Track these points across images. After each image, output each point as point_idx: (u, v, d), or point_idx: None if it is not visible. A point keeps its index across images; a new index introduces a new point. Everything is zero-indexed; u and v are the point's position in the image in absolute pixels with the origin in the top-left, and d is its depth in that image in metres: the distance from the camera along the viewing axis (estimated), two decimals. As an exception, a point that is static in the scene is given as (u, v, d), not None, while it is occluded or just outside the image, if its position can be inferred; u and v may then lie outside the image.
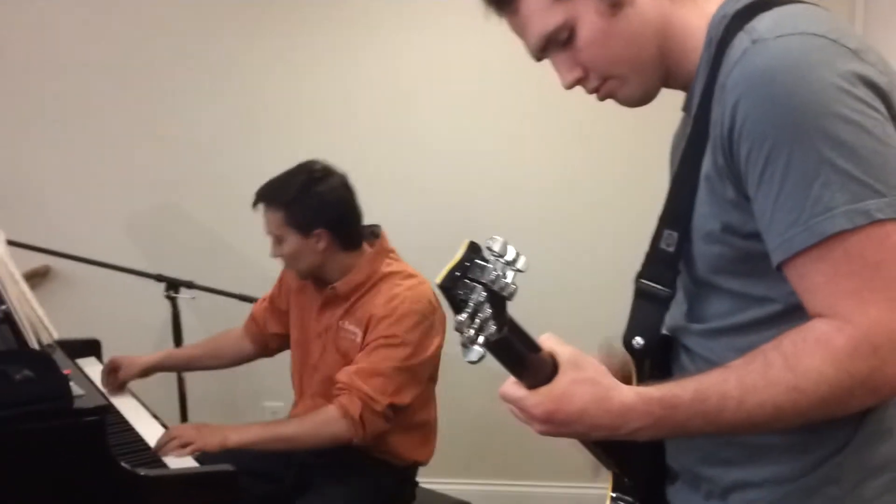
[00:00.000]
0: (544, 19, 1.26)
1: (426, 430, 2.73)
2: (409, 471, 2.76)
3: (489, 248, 1.03)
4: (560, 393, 1.14)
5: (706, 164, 1.18)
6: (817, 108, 1.05)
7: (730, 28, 1.18)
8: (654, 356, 1.31)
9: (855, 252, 1.05)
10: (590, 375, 1.14)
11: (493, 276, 1.00)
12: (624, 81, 1.29)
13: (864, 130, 1.05)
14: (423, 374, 2.61)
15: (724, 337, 1.23)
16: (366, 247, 2.68)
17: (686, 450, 1.30)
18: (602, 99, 1.33)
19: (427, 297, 2.58)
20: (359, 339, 2.56)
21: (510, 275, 1.01)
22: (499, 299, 1.01)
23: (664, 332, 1.33)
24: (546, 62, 1.33)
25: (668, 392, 1.12)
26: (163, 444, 2.38)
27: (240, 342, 2.97)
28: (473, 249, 1.03)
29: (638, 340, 1.30)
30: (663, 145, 1.44)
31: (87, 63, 3.72)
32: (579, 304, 3.57)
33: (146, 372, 2.87)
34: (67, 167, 3.78)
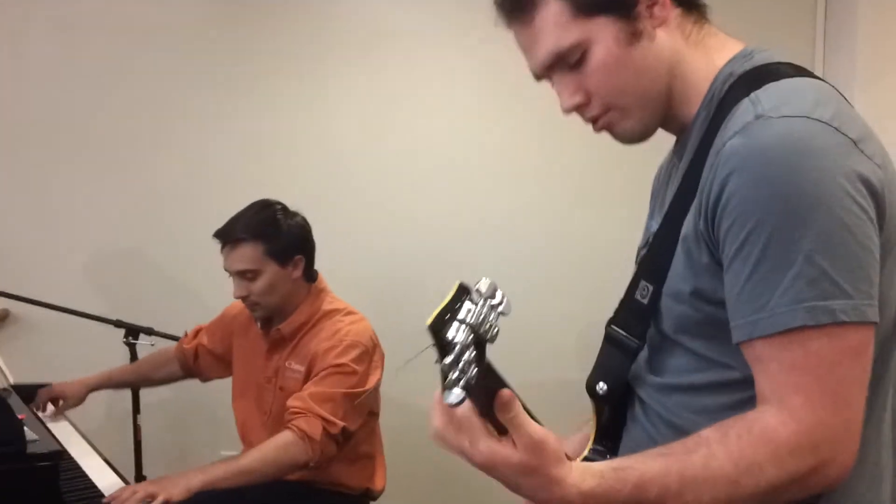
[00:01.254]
0: (559, 35, 1.24)
1: (372, 462, 2.78)
2: (362, 500, 2.77)
3: (478, 290, 1.03)
4: (509, 463, 1.06)
5: (687, 225, 1.18)
6: (807, 199, 1.05)
7: (734, 89, 1.19)
8: (614, 403, 1.33)
9: (813, 349, 1.07)
10: (535, 463, 1.06)
11: (479, 320, 1.01)
12: (625, 114, 1.27)
13: (848, 231, 1.06)
14: (366, 404, 2.66)
15: (679, 394, 1.24)
16: (309, 287, 2.76)
17: None
18: (598, 130, 1.31)
19: (368, 333, 2.68)
20: (301, 377, 2.62)
21: (493, 318, 1.02)
22: (482, 342, 1.01)
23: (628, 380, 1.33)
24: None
25: (609, 488, 1.08)
26: (123, 500, 2.27)
27: (169, 364, 3.09)
28: (462, 291, 1.03)
29: (601, 386, 1.32)
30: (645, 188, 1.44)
31: (49, 105, 3.71)
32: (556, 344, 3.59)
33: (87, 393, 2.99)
34: (27, 211, 3.75)
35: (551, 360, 3.70)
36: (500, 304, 1.03)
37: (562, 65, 1.26)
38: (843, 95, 1.20)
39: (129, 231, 3.76)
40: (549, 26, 1.23)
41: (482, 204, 3.78)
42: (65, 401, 2.88)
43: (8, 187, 3.74)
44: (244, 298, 2.65)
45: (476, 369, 1.00)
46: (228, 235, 2.61)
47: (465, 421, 1.06)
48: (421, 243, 3.76)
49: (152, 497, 2.30)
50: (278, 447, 2.47)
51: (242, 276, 2.62)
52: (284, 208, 2.71)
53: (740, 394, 1.14)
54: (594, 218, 3.81)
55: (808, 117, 1.09)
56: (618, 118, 1.28)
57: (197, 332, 3.05)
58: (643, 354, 1.31)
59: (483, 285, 1.03)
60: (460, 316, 1.00)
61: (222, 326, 2.93)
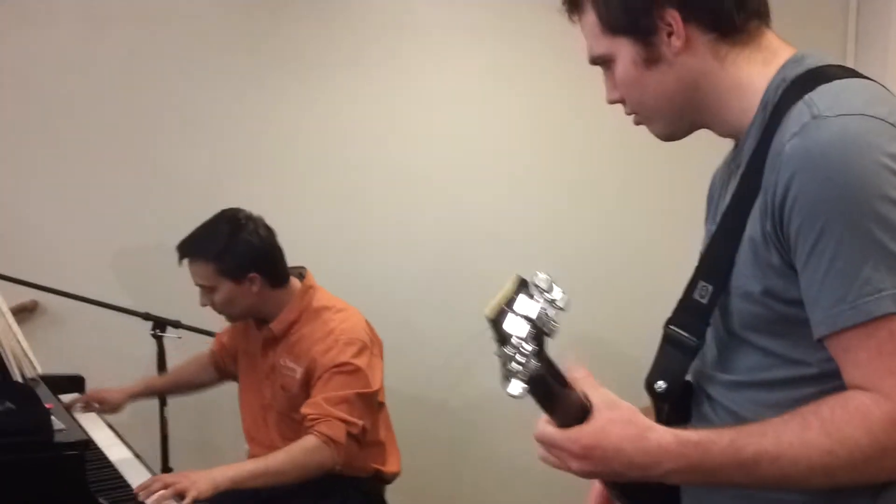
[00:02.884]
0: (593, 43, 1.34)
1: (382, 448, 2.79)
2: (374, 484, 2.79)
3: (535, 284, 1.04)
4: (597, 429, 1.14)
5: (752, 227, 1.21)
6: (871, 190, 1.09)
7: (787, 94, 1.21)
8: (674, 401, 1.35)
9: None
10: (626, 416, 1.15)
11: (538, 313, 1.02)
12: (650, 120, 1.36)
13: None
14: (375, 402, 2.70)
15: (750, 391, 1.26)
16: (295, 283, 2.78)
17: (705, 501, 1.32)
18: (637, 124, 1.39)
19: (362, 326, 2.69)
20: (299, 375, 2.63)
21: (552, 312, 1.03)
22: (541, 336, 1.03)
23: (688, 378, 1.36)
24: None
25: (705, 437, 1.14)
26: (154, 490, 2.30)
27: (206, 369, 3.09)
28: (521, 284, 1.05)
29: (660, 384, 1.33)
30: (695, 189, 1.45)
31: (79, 98, 3.73)
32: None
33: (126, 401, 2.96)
34: (58, 203, 3.77)
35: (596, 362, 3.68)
36: (557, 298, 1.04)
37: (601, 65, 1.36)
38: (893, 94, 1.23)
39: (158, 223, 3.76)
40: (588, 32, 1.35)
41: (496, 203, 3.77)
42: (102, 405, 2.87)
43: (37, 179, 3.76)
44: (211, 306, 2.72)
45: (537, 363, 1.02)
46: (183, 251, 2.70)
47: (547, 435, 1.16)
48: (428, 241, 3.78)
49: (182, 492, 2.31)
50: (305, 451, 2.49)
51: (202, 288, 2.69)
52: (245, 221, 2.70)
53: (814, 388, 1.17)
54: (605, 216, 3.80)
55: (863, 114, 1.12)
56: (646, 122, 1.37)
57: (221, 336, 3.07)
58: (711, 353, 1.33)
59: (540, 280, 1.05)
60: (518, 308, 1.02)
61: (229, 336, 2.97)
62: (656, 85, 1.29)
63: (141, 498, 2.29)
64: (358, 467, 2.68)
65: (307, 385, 2.60)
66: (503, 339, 1.02)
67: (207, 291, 2.68)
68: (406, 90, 3.76)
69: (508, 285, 1.05)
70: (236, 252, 2.64)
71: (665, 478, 1.16)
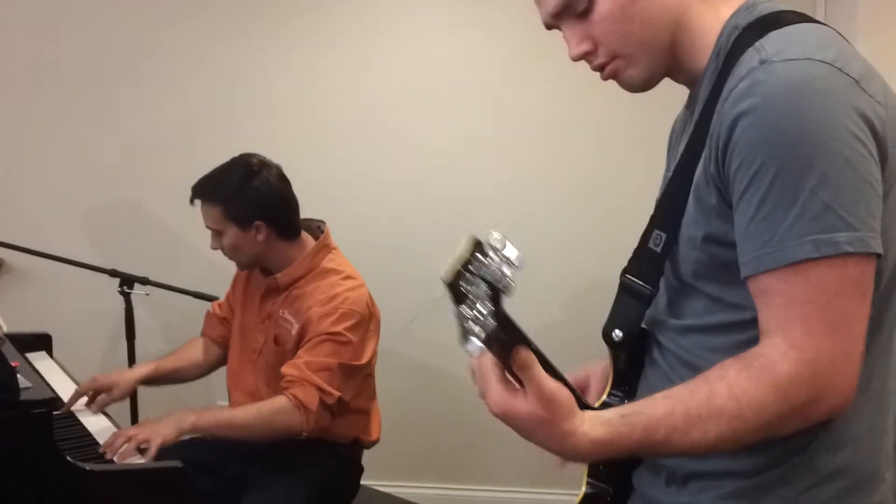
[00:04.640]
0: None
1: (365, 415, 2.77)
2: (352, 449, 2.77)
3: (489, 244, 1.04)
4: (524, 423, 1.13)
5: (698, 171, 1.22)
6: (811, 137, 1.09)
7: (740, 41, 1.21)
8: (630, 349, 1.37)
9: (815, 280, 1.10)
10: (547, 416, 1.12)
11: (492, 272, 1.03)
12: (631, 61, 1.30)
13: (851, 167, 1.09)
14: (360, 376, 2.67)
15: (696, 335, 1.28)
16: (309, 239, 2.74)
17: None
18: (605, 78, 1.34)
19: (365, 300, 2.65)
20: (294, 331, 2.60)
21: (508, 270, 1.03)
22: (497, 294, 1.03)
23: (643, 326, 1.37)
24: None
25: (617, 434, 1.14)
26: (117, 446, 2.30)
27: (209, 347, 2.96)
28: (476, 244, 1.05)
29: (617, 333, 1.36)
30: (652, 142, 1.45)
31: (47, 58, 3.69)
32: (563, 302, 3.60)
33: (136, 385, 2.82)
34: (24, 160, 3.74)
35: (560, 313, 3.70)
36: (512, 257, 1.04)
37: (569, 14, 1.30)
38: (844, 38, 1.22)
39: (125, 180, 3.75)
40: None
41: (489, 162, 3.73)
42: (110, 393, 2.78)
43: (4, 136, 3.72)
44: (221, 250, 2.68)
45: (494, 321, 1.02)
46: (195, 193, 2.64)
47: (485, 371, 1.13)
48: (422, 204, 3.73)
49: (147, 441, 2.32)
50: (274, 410, 2.48)
51: (212, 231, 2.65)
52: (258, 167, 2.64)
53: (753, 331, 1.17)
54: (592, 177, 3.79)
55: (810, 59, 1.12)
56: (623, 66, 1.31)
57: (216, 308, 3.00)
58: (663, 300, 1.35)
59: (495, 239, 1.04)
60: (474, 268, 1.02)
61: (235, 279, 2.92)
62: (645, 11, 1.26)
63: (108, 456, 2.29)
64: (339, 434, 2.67)
65: (300, 343, 2.59)
66: (459, 299, 1.03)
67: (216, 235, 2.64)
68: (403, 39, 3.71)
69: (463, 246, 1.05)
70: (244, 198, 2.59)
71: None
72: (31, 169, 3.74)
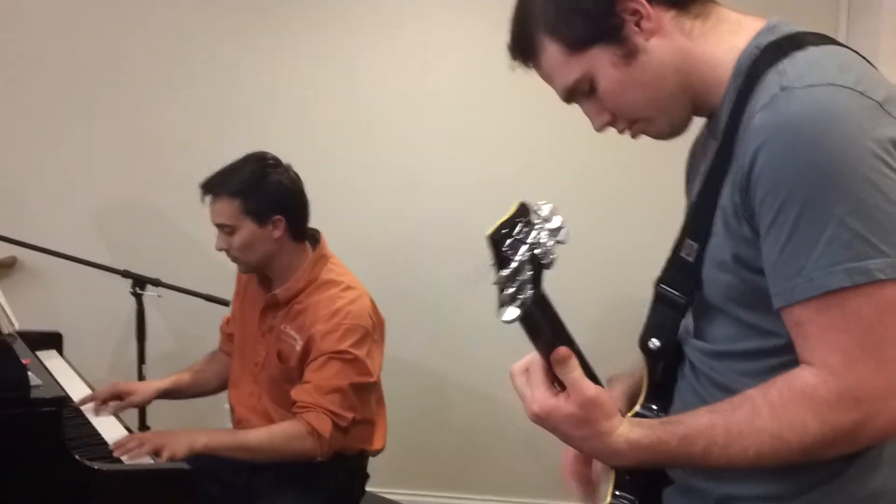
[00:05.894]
0: (563, 73, 1.31)
1: (371, 426, 2.73)
2: (358, 460, 2.75)
3: (537, 212, 1.03)
4: (562, 416, 1.15)
5: (724, 196, 1.22)
6: (836, 165, 1.08)
7: (760, 62, 1.21)
8: (668, 359, 1.36)
9: (851, 309, 1.09)
10: (581, 415, 1.15)
11: (537, 240, 1.01)
12: (650, 122, 1.33)
13: (879, 191, 1.08)
14: (371, 391, 2.65)
15: (728, 360, 1.27)
16: (308, 248, 2.70)
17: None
18: (635, 137, 1.37)
19: (367, 310, 2.60)
20: (298, 347, 2.56)
21: (551, 244, 1.02)
22: (538, 266, 1.02)
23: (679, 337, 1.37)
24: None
25: (656, 439, 1.16)
26: (129, 448, 2.32)
27: (227, 360, 2.92)
28: (523, 210, 1.04)
29: (654, 342, 1.34)
30: (658, 144, 1.44)
31: (62, 58, 3.71)
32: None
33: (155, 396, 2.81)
34: (39, 160, 3.75)
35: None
36: (558, 229, 1.03)
37: (578, 94, 1.33)
38: (867, 60, 1.21)
39: (139, 181, 3.75)
40: (553, 66, 1.31)
41: (492, 163, 3.73)
42: (130, 398, 2.78)
43: (19, 135, 3.74)
44: (226, 252, 2.63)
45: (532, 291, 1.01)
46: (208, 187, 2.59)
47: (533, 371, 1.17)
48: (429, 204, 3.72)
49: (158, 450, 2.32)
50: (287, 437, 2.46)
51: (222, 229, 2.60)
52: (274, 163, 2.63)
53: (789, 356, 1.16)
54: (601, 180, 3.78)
55: (832, 84, 1.11)
56: (645, 126, 1.34)
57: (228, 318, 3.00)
58: (688, 320, 1.35)
59: (544, 209, 1.03)
60: (518, 233, 1.01)
61: (238, 286, 2.90)
62: (643, 77, 1.27)
63: (117, 454, 2.30)
64: (345, 447, 2.63)
65: (304, 359, 2.55)
66: (501, 261, 1.01)
67: (227, 232, 2.57)
68: (412, 41, 3.71)
69: (511, 209, 1.05)
70: (264, 191, 2.55)
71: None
72: (45, 168, 3.75)
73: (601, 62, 1.27)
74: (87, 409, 2.59)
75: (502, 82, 3.59)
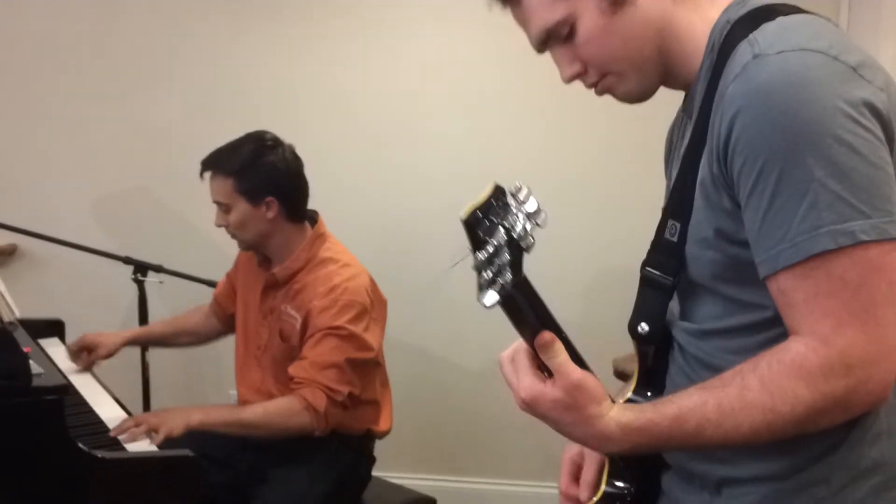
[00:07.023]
0: (545, 14, 1.27)
1: (375, 407, 2.74)
2: (364, 441, 2.75)
3: (513, 195, 1.01)
4: (549, 402, 1.15)
5: (702, 170, 1.21)
6: (812, 127, 1.06)
7: (732, 35, 1.20)
8: (658, 343, 1.35)
9: (836, 273, 1.08)
10: (578, 401, 1.14)
11: (514, 223, 0.99)
12: (622, 78, 1.30)
13: (857, 152, 1.06)
14: (370, 367, 2.65)
15: (715, 339, 1.26)
16: (307, 228, 2.70)
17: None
18: (600, 94, 1.35)
19: (364, 287, 2.60)
20: (298, 325, 2.57)
21: (529, 227, 1.00)
22: (517, 249, 1.00)
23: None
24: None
25: (647, 420, 1.15)
26: (126, 430, 2.34)
27: (209, 319, 3.00)
28: (499, 192, 1.02)
29: (643, 326, 1.33)
30: (655, 142, 1.44)
31: (58, 44, 3.68)
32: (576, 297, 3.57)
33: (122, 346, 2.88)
34: (39, 147, 3.74)
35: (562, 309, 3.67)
36: (535, 212, 1.01)
37: (555, 39, 1.30)
38: (838, 27, 1.20)
39: (140, 168, 3.74)
40: (535, 7, 1.28)
41: (490, 150, 3.71)
42: (96, 350, 2.81)
43: (18, 123, 3.72)
44: (225, 228, 2.64)
45: (511, 275, 0.99)
46: (206, 164, 2.61)
47: (519, 358, 1.17)
48: (426, 188, 3.69)
49: (155, 429, 2.34)
50: (283, 413, 2.47)
51: (219, 206, 2.61)
52: (272, 144, 2.62)
53: (775, 330, 1.16)
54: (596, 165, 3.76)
55: (804, 49, 1.10)
56: (615, 82, 1.31)
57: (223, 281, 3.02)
58: (673, 302, 1.33)
59: (520, 191, 1.01)
60: (495, 215, 0.99)
61: (234, 269, 2.92)
62: (627, 28, 1.25)
63: (112, 434, 2.33)
64: (350, 426, 2.64)
65: (304, 336, 2.56)
66: (477, 244, 0.99)
67: (224, 210, 2.59)
68: (407, 28, 3.68)
69: (485, 191, 1.02)
70: (258, 172, 2.56)
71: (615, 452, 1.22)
72: (46, 155, 3.74)
73: (587, 6, 1.25)
74: (89, 397, 2.59)
75: (502, 70, 3.66)
